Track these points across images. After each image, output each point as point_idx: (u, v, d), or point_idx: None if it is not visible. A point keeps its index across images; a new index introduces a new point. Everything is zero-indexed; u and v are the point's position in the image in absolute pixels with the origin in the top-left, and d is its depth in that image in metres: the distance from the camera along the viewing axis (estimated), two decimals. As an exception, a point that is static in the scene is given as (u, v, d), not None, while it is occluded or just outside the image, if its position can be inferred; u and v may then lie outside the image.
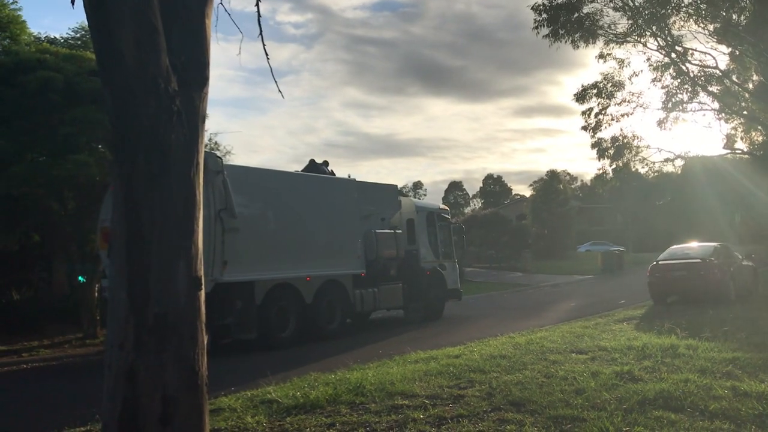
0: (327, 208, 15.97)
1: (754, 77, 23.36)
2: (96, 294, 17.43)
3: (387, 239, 17.14)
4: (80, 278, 18.15)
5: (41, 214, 17.72)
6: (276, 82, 6.28)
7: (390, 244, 17.20)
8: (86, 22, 4.95)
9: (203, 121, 4.59)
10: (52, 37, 21.08)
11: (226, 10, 5.78)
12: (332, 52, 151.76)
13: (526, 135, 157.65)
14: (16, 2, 20.12)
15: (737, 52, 21.98)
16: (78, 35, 20.53)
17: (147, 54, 4.17)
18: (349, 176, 18.15)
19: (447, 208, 22.77)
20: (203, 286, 4.44)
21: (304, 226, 15.21)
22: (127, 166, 4.27)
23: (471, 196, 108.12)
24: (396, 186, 19.70)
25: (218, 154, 20.52)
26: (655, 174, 28.15)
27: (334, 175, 17.66)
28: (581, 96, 24.98)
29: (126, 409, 4.06)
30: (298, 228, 15.02)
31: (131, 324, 4.11)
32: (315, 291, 15.02)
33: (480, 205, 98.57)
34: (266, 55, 5.94)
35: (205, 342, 4.44)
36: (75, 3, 4.34)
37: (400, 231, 17.87)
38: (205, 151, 15.70)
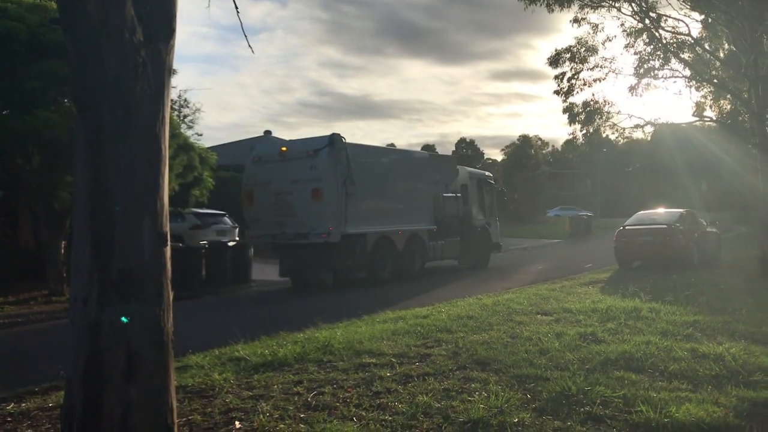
0: (411, 176, 20.00)
1: (725, 46, 23.44)
2: (62, 251, 17.19)
3: (451, 201, 21.07)
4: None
5: (5, 170, 17.30)
6: (246, 36, 6.14)
7: (453, 206, 21.16)
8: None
9: (169, 75, 4.47)
10: (15, -14, 20.33)
11: (194, -40, 5.62)
12: (308, 10, 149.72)
13: (503, 99, 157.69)
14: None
15: (710, 20, 21.99)
16: (42, -15, 19.84)
17: (111, 3, 4.04)
18: (421, 148, 20.69)
19: (492, 174, 26.37)
20: (169, 242, 4.39)
21: (397, 191, 19.28)
22: (90, 119, 4.16)
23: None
24: (456, 157, 24.40)
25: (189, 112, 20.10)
26: (625, 140, 28.20)
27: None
28: (554, 60, 24.81)
29: (90, 364, 4.03)
30: (393, 192, 19.11)
31: (95, 279, 4.06)
32: (404, 242, 19.05)
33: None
34: (236, 7, 5.80)
35: (171, 298, 4.40)
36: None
37: (459, 195, 21.61)
38: (333, 133, 16.72)
